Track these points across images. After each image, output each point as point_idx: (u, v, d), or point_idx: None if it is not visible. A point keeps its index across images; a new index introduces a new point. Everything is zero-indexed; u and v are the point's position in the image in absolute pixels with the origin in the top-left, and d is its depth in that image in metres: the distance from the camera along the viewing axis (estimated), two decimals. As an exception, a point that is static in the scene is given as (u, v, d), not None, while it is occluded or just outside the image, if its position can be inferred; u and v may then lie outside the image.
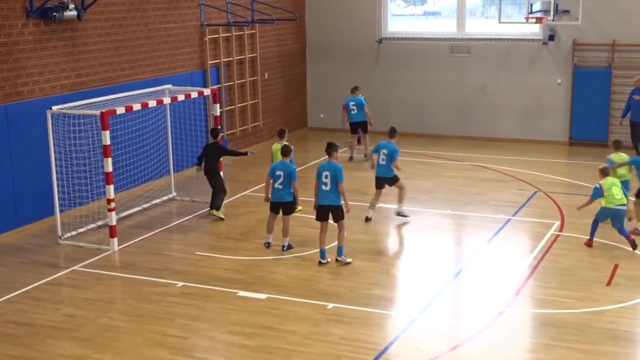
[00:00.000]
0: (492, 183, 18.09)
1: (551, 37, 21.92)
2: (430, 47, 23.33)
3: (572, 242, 13.98)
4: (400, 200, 15.44)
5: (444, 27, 23.76)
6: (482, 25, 23.49)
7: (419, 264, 13.16)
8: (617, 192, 13.39)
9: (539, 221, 15.16)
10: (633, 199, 14.49)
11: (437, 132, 23.36)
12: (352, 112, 20.28)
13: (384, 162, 15.19)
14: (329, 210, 12.90)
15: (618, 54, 21.39)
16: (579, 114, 21.79)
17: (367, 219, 15.24)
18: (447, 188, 17.72)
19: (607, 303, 11.25)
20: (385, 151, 15.06)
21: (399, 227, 15.19)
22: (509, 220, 15.30)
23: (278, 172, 13.53)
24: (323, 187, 12.81)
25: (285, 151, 13.75)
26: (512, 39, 22.51)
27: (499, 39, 22.61)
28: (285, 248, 13.59)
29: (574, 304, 11.22)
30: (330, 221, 13.03)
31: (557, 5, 20.99)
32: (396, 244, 14.70)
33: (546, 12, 21.13)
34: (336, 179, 12.70)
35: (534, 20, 21.10)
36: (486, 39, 22.79)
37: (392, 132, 15.42)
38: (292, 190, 13.56)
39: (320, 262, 12.97)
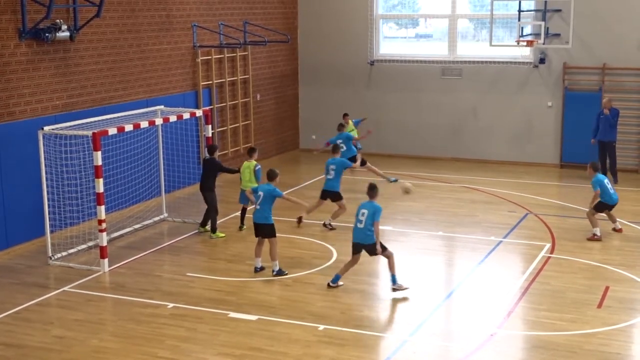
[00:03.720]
0: (483, 205, 18.12)
1: (542, 60, 22.07)
2: (422, 70, 23.45)
3: (563, 264, 13.99)
4: (334, 215, 16.10)
5: (436, 49, 23.91)
6: (474, 48, 23.64)
7: (410, 285, 13.13)
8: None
9: (530, 243, 15.18)
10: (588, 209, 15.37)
11: (428, 154, 23.42)
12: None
13: (331, 176, 16.04)
14: (362, 248, 12.67)
15: (608, 77, 21.54)
16: (570, 137, 21.90)
17: (325, 225, 16.09)
18: (438, 210, 17.74)
19: (598, 325, 11.25)
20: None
21: (390, 248, 15.14)
22: (500, 242, 15.32)
23: (259, 192, 13.50)
24: (358, 224, 12.53)
25: (270, 175, 13.57)
26: (503, 62, 22.65)
27: (490, 62, 22.74)
28: (274, 273, 13.48)
29: (565, 326, 11.22)
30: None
31: (547, 28, 21.16)
32: (386, 265, 14.62)
33: (537, 35, 21.30)
34: (373, 216, 12.38)
35: (524, 43, 21.23)
36: (477, 62, 22.92)
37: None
38: (269, 214, 13.35)
39: (329, 285, 12.88)
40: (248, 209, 15.85)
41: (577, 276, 13.36)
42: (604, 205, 15.44)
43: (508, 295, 12.54)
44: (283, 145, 24.02)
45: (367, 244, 12.53)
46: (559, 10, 21.37)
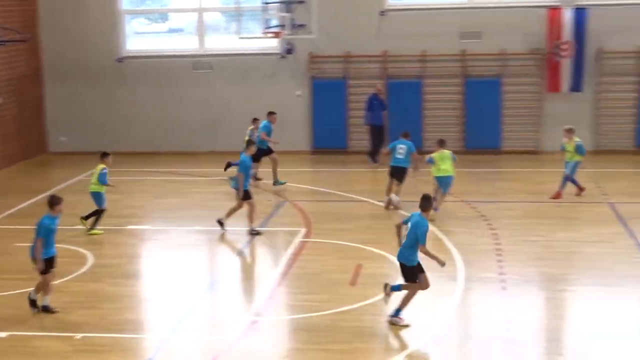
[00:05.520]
0: (241, 196, 18.31)
1: (289, 51, 22.67)
2: (174, 64, 23.28)
3: (318, 247, 14.49)
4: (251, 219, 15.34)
5: (187, 43, 23.80)
6: (224, 41, 23.79)
7: (170, 282, 13.02)
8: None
9: (288, 229, 15.57)
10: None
11: (186, 149, 23.30)
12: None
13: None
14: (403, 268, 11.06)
15: (353, 64, 22.56)
16: (320, 124, 22.70)
17: (253, 233, 15.17)
18: (196, 204, 17.72)
19: (352, 302, 11.75)
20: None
21: (149, 247, 14.99)
22: (259, 231, 15.57)
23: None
24: (404, 240, 11.08)
25: (51, 203, 11.69)
26: (252, 54, 23.02)
27: (240, 54, 23.03)
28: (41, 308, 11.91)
29: (322, 306, 11.61)
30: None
31: (292, 19, 21.74)
32: (146, 265, 14.47)
33: (283, 26, 21.81)
34: (416, 238, 10.79)
35: (271, 34, 21.68)
36: (227, 54, 23.12)
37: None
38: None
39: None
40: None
41: (332, 257, 13.89)
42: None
43: (268, 282, 12.80)
44: (29, 149, 22.77)
45: (407, 265, 10.97)
46: (303, 2, 22.03)
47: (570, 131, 17.72)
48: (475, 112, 22.08)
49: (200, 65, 23.18)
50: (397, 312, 10.98)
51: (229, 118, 23.18)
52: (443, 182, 15.96)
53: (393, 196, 16.60)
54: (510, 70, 22.21)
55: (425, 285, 10.96)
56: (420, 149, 21.57)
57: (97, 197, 15.50)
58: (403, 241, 11.01)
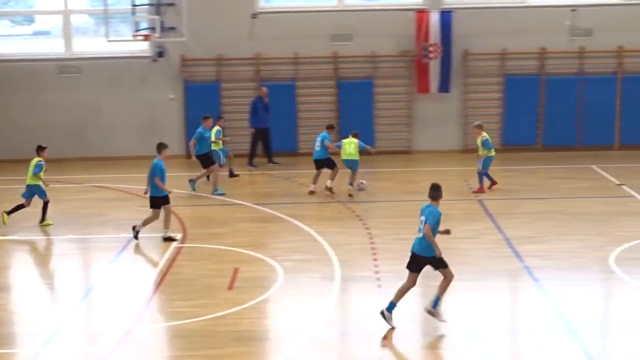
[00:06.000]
0: (113, 202, 17.94)
1: (160, 54, 22.33)
2: (39, 68, 22.54)
3: (194, 252, 14.33)
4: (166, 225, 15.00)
5: (54, 47, 23.05)
6: (93, 44, 23.19)
7: (42, 294, 12.58)
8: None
9: (163, 235, 15.30)
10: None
11: (53, 155, 22.39)
12: None
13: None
14: (421, 260, 10.90)
15: (225, 67, 22.45)
16: (193, 128, 22.20)
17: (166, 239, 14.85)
18: (67, 212, 17.19)
19: (229, 306, 11.65)
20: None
21: (18, 258, 14.43)
22: (132, 238, 15.24)
23: None
24: (418, 233, 10.92)
25: None
26: (122, 57, 22.54)
27: (110, 57, 22.51)
28: None
29: (198, 312, 11.45)
30: None
31: (162, 22, 21.43)
32: (15, 277, 13.89)
33: (153, 29, 21.45)
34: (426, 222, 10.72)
35: (141, 37, 21.30)
36: (97, 58, 22.56)
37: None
38: None
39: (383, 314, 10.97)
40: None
41: (208, 262, 13.76)
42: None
43: (143, 289, 12.54)
44: None
45: (427, 256, 10.86)
46: (173, 4, 21.77)
47: (478, 127, 18.37)
48: (348, 114, 22.38)
49: (68, 69, 22.52)
50: (436, 301, 10.90)
51: (100, 123, 22.60)
52: (349, 164, 17.97)
53: (360, 182, 18.11)
54: (381, 72, 22.65)
55: (451, 275, 10.91)
56: (295, 152, 21.87)
57: (36, 189, 15.94)
58: (417, 234, 10.90)
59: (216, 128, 19.32)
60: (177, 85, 22.54)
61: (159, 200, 14.90)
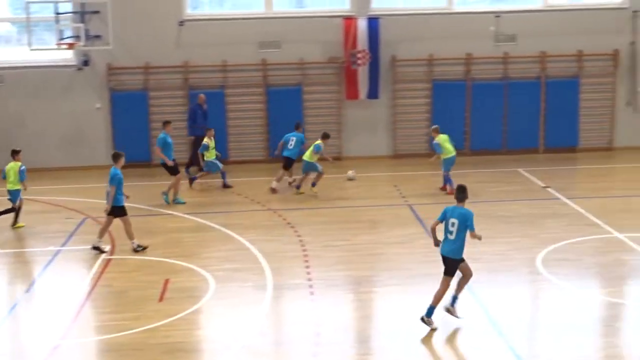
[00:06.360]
0: (39, 215, 17.51)
1: (85, 63, 21.94)
2: (-41, 78, 21.90)
3: (123, 264, 14.09)
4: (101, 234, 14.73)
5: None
6: (16, 53, 22.64)
7: None
8: (449, 145, 18.29)
9: (91, 247, 15.00)
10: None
11: (-24, 167, 21.91)
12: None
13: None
14: (452, 263, 11.00)
15: (153, 76, 22.17)
16: (120, 137, 22.05)
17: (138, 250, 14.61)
18: (-9, 226, 16.74)
19: (161, 318, 11.50)
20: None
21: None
22: (60, 250, 14.93)
23: None
24: (448, 235, 10.93)
25: None
26: (46, 66, 22.07)
27: (34, 67, 22.02)
28: None
29: (129, 325, 11.28)
30: None
31: (87, 30, 21.05)
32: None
33: (77, 37, 21.05)
34: (466, 228, 10.84)
35: (65, 46, 20.89)
36: (20, 67, 22.05)
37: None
38: None
39: (423, 320, 11.07)
40: None
41: (138, 274, 13.55)
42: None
43: (71, 303, 12.26)
44: None
45: (457, 259, 10.99)
46: (98, 12, 21.39)
47: (435, 131, 18.56)
48: (278, 121, 22.31)
49: (-11, 78, 21.95)
50: (454, 300, 11.15)
51: (24, 133, 22.06)
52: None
53: (350, 172, 19.69)
54: (310, 79, 22.69)
55: (470, 273, 11.13)
56: (225, 159, 21.69)
57: (15, 194, 16.36)
58: (444, 237, 10.97)
59: (206, 139, 19.16)
60: (103, 94, 22.17)
61: (116, 210, 14.61)
